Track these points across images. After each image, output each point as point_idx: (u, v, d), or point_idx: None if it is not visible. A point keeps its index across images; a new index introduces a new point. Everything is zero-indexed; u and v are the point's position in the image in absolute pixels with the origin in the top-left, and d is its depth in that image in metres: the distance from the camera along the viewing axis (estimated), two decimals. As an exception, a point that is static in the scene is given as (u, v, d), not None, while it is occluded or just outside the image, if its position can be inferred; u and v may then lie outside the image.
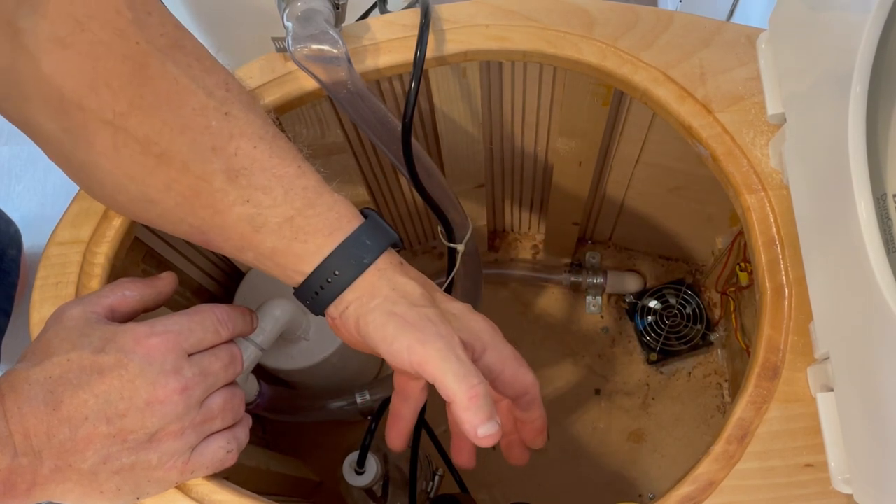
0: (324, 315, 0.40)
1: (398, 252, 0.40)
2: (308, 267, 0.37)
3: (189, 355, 0.38)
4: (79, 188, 0.48)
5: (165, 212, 0.38)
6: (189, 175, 0.36)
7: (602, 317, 0.83)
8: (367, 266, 0.38)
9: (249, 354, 0.44)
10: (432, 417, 0.51)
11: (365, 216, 0.39)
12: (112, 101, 0.35)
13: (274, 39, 0.48)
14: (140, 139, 0.35)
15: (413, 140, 0.45)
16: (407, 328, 0.37)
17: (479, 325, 0.41)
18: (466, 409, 0.36)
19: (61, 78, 0.34)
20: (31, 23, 0.34)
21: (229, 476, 0.44)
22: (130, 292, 0.40)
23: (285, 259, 0.38)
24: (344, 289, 0.38)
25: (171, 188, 0.36)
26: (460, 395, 0.36)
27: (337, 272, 0.37)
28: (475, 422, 0.36)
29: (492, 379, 0.41)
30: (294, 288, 0.39)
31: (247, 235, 0.37)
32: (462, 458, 0.44)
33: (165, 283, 0.42)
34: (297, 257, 0.37)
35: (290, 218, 0.37)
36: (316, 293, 0.38)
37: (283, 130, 0.56)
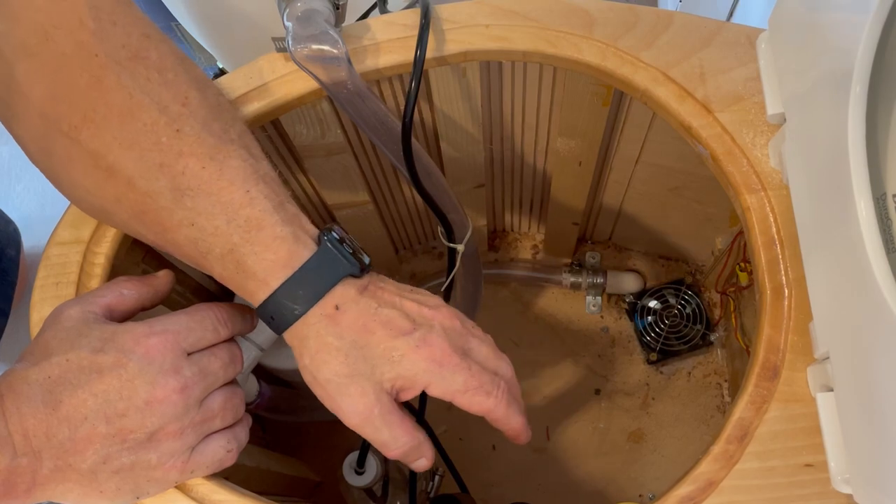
0: None
1: (363, 274, 0.39)
2: (257, 297, 0.37)
3: (188, 354, 0.38)
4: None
5: (122, 223, 0.38)
6: (136, 191, 0.36)
7: (602, 317, 0.83)
8: (296, 317, 0.37)
9: (249, 354, 0.44)
10: (432, 417, 0.51)
11: (320, 241, 0.38)
12: (68, 112, 0.35)
13: (274, 39, 0.48)
14: (91, 152, 0.35)
15: (413, 140, 0.45)
16: (327, 387, 0.37)
17: (415, 368, 0.38)
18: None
19: (28, 86, 0.35)
20: (6, 27, 0.35)
21: (229, 476, 0.44)
22: (128, 291, 0.40)
23: (234, 285, 0.37)
24: (281, 332, 0.38)
25: (122, 202, 0.36)
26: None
27: (272, 318, 0.37)
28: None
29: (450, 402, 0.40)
30: None
31: (197, 259, 0.37)
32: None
33: (162, 281, 0.42)
34: (241, 289, 0.37)
35: (230, 251, 0.36)
36: (272, 317, 0.38)
37: (279, 135, 0.56)
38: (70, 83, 0.35)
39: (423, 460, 0.40)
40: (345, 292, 0.37)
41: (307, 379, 0.38)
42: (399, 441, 0.39)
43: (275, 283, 0.36)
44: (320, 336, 0.37)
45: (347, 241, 0.38)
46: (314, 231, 0.38)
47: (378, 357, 0.37)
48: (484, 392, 0.39)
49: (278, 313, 0.37)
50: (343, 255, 0.37)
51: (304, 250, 0.37)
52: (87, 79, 0.35)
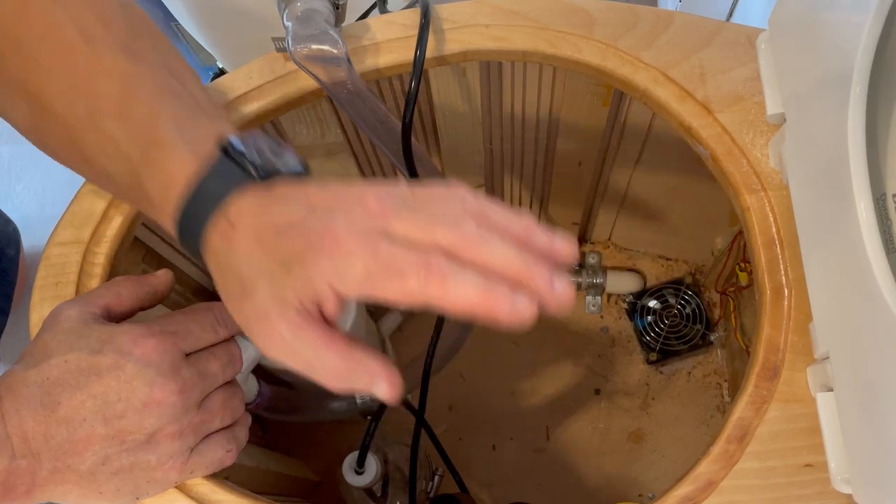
0: None
1: (271, 180, 0.33)
2: (171, 231, 0.34)
3: (187, 355, 0.38)
4: (78, 189, 0.48)
5: (68, 161, 0.37)
6: (57, 120, 0.35)
7: (602, 317, 0.83)
8: (196, 240, 0.33)
9: (249, 354, 0.44)
10: (432, 417, 0.51)
11: (216, 153, 0.34)
12: None
13: (274, 39, 0.48)
14: (16, 82, 0.35)
15: (413, 140, 0.45)
16: (229, 301, 0.33)
17: (311, 270, 0.30)
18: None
19: None
20: None
21: (229, 476, 0.44)
22: (126, 291, 0.40)
23: (160, 222, 0.35)
24: (198, 255, 0.34)
25: (52, 133, 0.36)
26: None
27: (186, 245, 0.34)
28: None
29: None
30: None
31: (119, 191, 0.36)
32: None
33: (161, 280, 0.42)
34: (162, 223, 0.35)
35: (134, 173, 0.34)
36: (186, 243, 0.34)
37: (279, 134, 0.56)
38: None
39: (380, 384, 0.32)
40: (241, 204, 0.32)
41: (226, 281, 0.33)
42: (326, 363, 0.31)
43: (171, 208, 0.33)
44: (217, 255, 0.33)
45: (264, 149, 0.34)
46: (218, 142, 0.34)
47: (274, 270, 0.31)
48: (397, 273, 0.29)
49: (186, 239, 0.34)
50: (239, 164, 0.33)
51: (202, 165, 0.33)
52: (11, 5, 0.35)
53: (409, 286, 0.29)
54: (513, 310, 0.29)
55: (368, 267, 0.29)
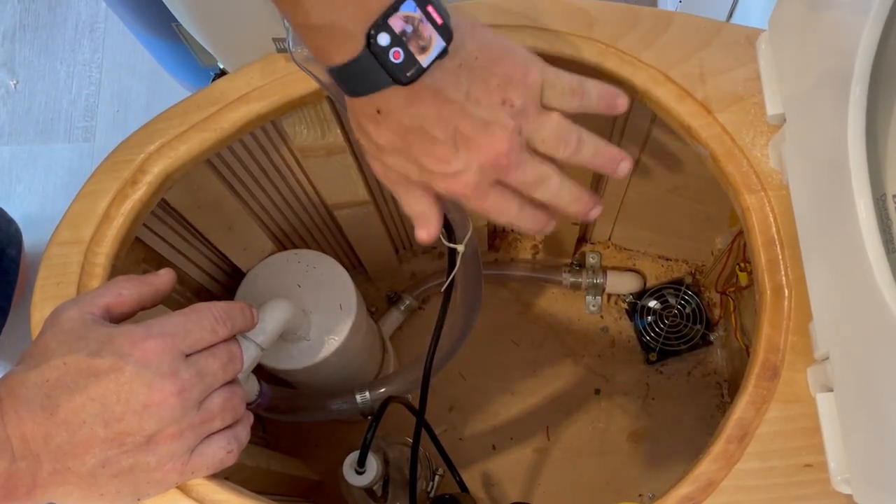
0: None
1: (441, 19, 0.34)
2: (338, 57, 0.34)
3: (187, 356, 0.38)
4: (79, 189, 0.48)
5: None
6: None
7: (602, 317, 0.83)
8: (372, 90, 0.35)
9: (250, 353, 0.44)
10: (432, 417, 0.51)
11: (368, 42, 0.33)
12: None
13: (275, 40, 0.48)
14: None
15: (413, 140, 0.45)
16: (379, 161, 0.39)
17: (445, 191, 0.39)
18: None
19: None
20: None
21: (230, 476, 0.44)
22: (127, 291, 0.40)
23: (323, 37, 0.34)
24: (361, 94, 0.36)
25: None
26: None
27: (355, 85, 0.35)
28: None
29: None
30: None
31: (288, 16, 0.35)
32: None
33: (163, 280, 0.42)
34: (324, 55, 0.35)
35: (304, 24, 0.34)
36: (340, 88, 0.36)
37: (279, 134, 0.56)
38: None
39: (422, 231, 0.41)
40: (391, 97, 0.35)
41: (363, 143, 0.39)
42: (425, 214, 0.40)
43: (347, 55, 0.34)
44: (364, 126, 0.37)
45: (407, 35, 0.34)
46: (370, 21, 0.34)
47: (413, 164, 0.38)
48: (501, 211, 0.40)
49: (356, 81, 0.35)
50: (385, 68, 0.34)
51: (356, 45, 0.34)
52: None
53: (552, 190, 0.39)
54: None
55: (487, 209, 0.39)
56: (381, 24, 0.33)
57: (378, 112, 0.36)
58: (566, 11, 0.49)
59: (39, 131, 1.12)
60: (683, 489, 0.39)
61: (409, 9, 0.33)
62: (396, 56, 0.34)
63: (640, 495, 0.75)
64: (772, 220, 0.44)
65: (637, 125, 0.59)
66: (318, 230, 0.73)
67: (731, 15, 0.73)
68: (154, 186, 0.48)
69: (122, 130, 1.01)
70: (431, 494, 0.69)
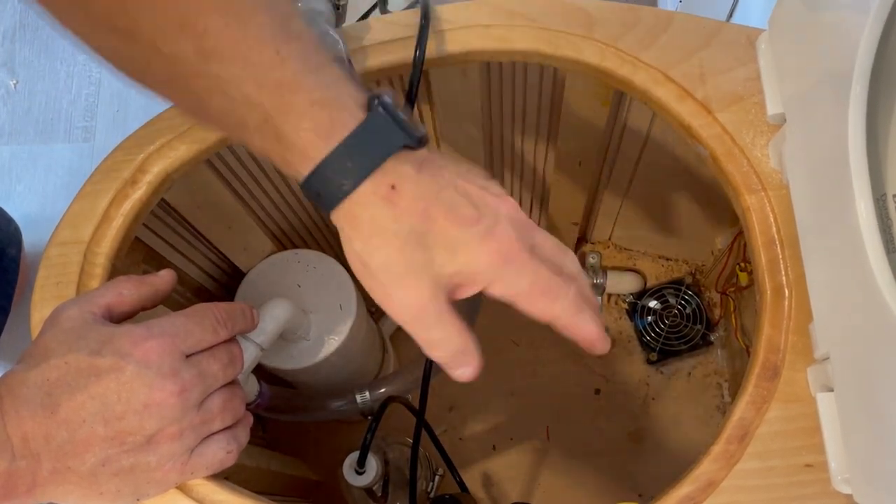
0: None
1: (419, 147, 0.33)
2: (296, 175, 0.33)
3: (187, 356, 0.38)
4: (79, 189, 0.48)
5: (155, 91, 0.34)
6: (160, 55, 0.31)
7: (602, 317, 0.83)
8: (346, 194, 0.32)
9: (250, 354, 0.44)
10: (432, 417, 0.51)
11: (371, 107, 0.33)
12: None
13: (274, 39, 0.48)
14: (107, 14, 0.31)
15: (413, 140, 0.45)
16: (369, 283, 0.34)
17: (479, 263, 0.34)
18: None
19: None
20: None
21: (229, 476, 0.44)
22: (128, 291, 0.40)
23: (275, 161, 0.33)
24: (329, 212, 0.33)
25: (151, 67, 0.32)
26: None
27: (320, 194, 0.33)
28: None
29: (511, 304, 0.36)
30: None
31: (234, 132, 0.33)
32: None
33: (163, 281, 0.42)
34: (284, 163, 0.33)
35: (265, 120, 0.32)
36: (318, 194, 0.33)
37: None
38: None
39: (468, 369, 0.36)
40: (401, 169, 0.33)
41: (355, 267, 0.34)
42: (450, 342, 0.35)
43: (317, 155, 0.32)
44: (375, 218, 0.33)
45: (401, 109, 0.33)
46: (362, 96, 0.33)
47: (438, 247, 0.33)
48: (552, 296, 0.35)
49: (325, 189, 0.32)
50: (397, 123, 0.32)
51: (350, 117, 0.32)
52: None
53: (556, 310, 0.35)
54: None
55: (534, 284, 0.35)
56: (377, 95, 0.33)
57: (393, 188, 0.32)
58: (566, 11, 0.49)
59: (39, 131, 1.12)
60: (684, 489, 0.39)
61: (388, 94, 0.33)
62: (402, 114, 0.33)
63: (640, 495, 0.75)
64: (772, 220, 0.44)
65: (637, 125, 0.59)
66: (318, 230, 0.73)
67: (731, 15, 0.73)
68: (154, 186, 0.48)
69: (122, 130, 1.01)
70: (431, 494, 0.69)
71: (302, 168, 0.32)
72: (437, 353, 0.36)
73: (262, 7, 0.32)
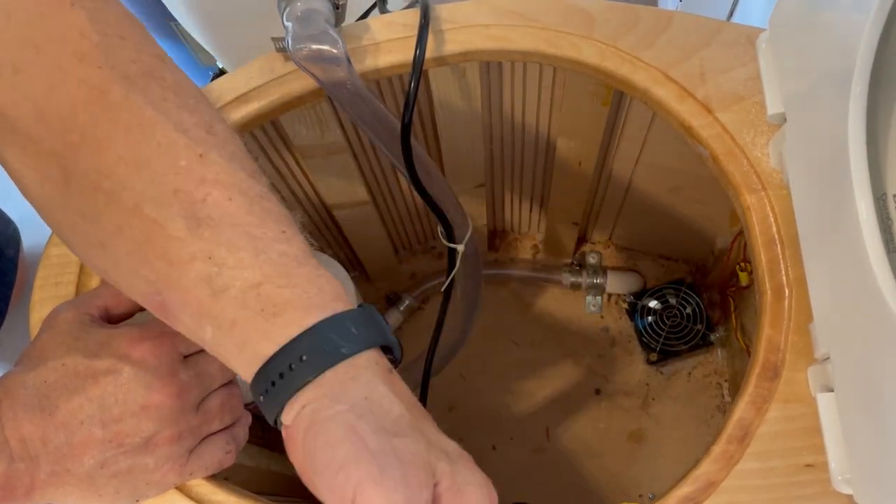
0: (276, 425, 0.32)
1: (393, 366, 0.32)
2: (270, 347, 0.30)
3: (185, 357, 0.38)
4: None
5: (118, 261, 0.32)
6: (142, 217, 0.30)
7: (602, 317, 0.83)
8: (343, 357, 0.30)
9: (249, 355, 0.44)
10: (432, 417, 0.51)
11: (360, 306, 0.33)
12: (62, 130, 0.31)
13: (274, 39, 0.48)
14: (90, 173, 0.31)
15: (413, 140, 0.45)
16: (363, 458, 0.28)
17: (471, 480, 0.30)
18: None
19: (9, 108, 0.31)
20: None
21: (229, 476, 0.44)
22: None
23: (246, 335, 0.30)
24: (306, 381, 0.30)
25: (123, 231, 0.31)
26: None
27: (304, 357, 0.29)
28: None
29: None
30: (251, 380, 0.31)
31: (205, 302, 0.31)
32: None
33: None
34: (260, 334, 0.30)
35: (256, 284, 0.30)
36: (273, 383, 0.30)
37: (279, 134, 0.56)
38: (65, 98, 0.30)
39: None
40: (380, 360, 0.32)
41: (337, 431, 0.29)
42: None
43: (318, 315, 0.30)
44: (374, 386, 0.30)
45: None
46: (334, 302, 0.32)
47: (425, 448, 0.30)
48: None
49: (317, 350, 0.30)
50: (386, 325, 0.33)
51: (345, 302, 0.32)
52: (86, 92, 0.30)
53: None
54: None
55: None
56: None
57: (389, 371, 0.31)
58: (566, 11, 0.49)
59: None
60: (684, 489, 0.39)
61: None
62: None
63: (640, 495, 0.75)
64: (772, 219, 0.44)
65: (637, 125, 0.59)
66: (318, 230, 0.73)
67: (731, 14, 0.73)
68: (153, 186, 0.48)
69: (122, 130, 1.01)
70: (431, 495, 0.69)
71: (280, 335, 0.30)
72: None
73: (270, 196, 0.32)
